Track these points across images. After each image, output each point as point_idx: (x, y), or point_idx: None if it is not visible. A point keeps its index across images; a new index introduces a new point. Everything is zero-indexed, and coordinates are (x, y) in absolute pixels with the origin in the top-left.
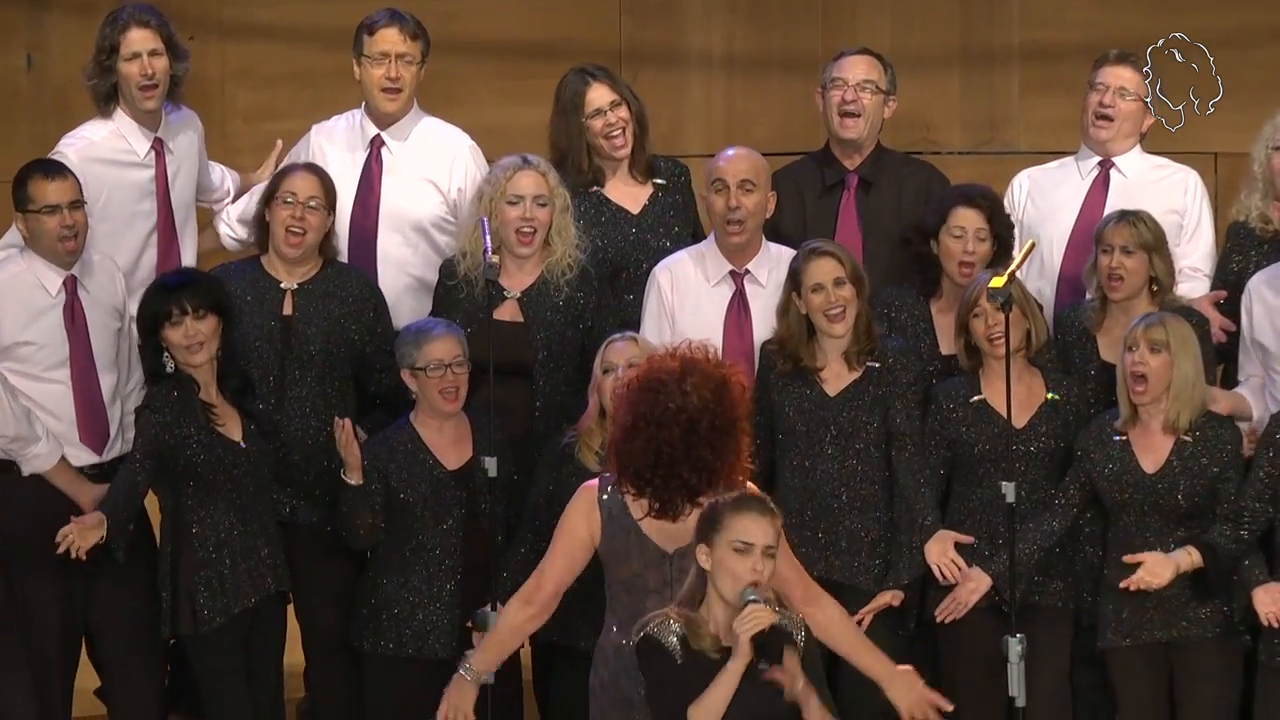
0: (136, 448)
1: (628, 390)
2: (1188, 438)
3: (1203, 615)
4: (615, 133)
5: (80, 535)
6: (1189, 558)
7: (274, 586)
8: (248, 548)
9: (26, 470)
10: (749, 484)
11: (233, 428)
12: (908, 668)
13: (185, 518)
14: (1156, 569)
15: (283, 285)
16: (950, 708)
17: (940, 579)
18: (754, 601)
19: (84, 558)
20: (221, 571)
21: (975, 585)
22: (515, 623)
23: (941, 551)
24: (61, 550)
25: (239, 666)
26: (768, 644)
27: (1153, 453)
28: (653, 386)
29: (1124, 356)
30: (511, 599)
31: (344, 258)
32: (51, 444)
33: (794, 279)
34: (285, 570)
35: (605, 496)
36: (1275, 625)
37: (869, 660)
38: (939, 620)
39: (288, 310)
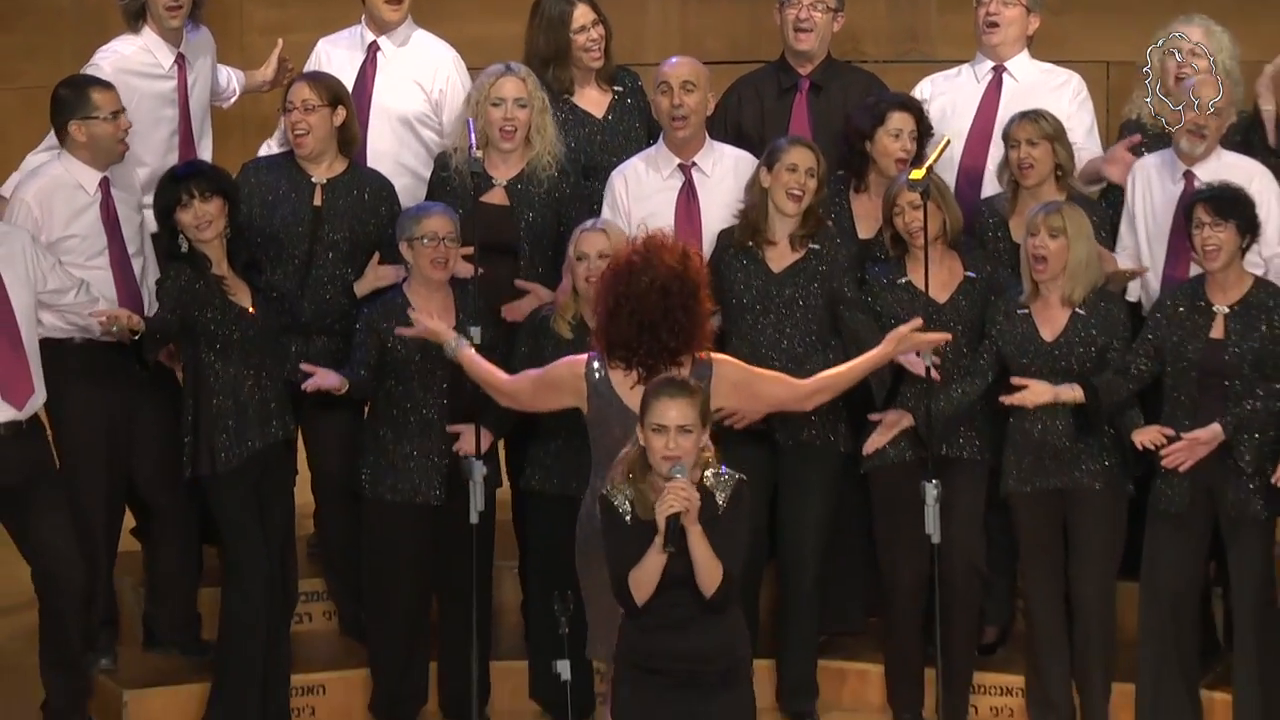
0: (162, 306)
1: (604, 280)
2: (1082, 311)
3: (1094, 467)
4: (593, 47)
5: (129, 319)
6: (1071, 392)
7: (281, 435)
8: (258, 401)
9: (99, 332)
10: (714, 354)
11: (243, 297)
12: (891, 336)
13: (204, 374)
14: (1036, 390)
15: (314, 180)
16: (948, 337)
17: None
18: (678, 478)
19: (126, 340)
20: (235, 421)
21: (897, 419)
22: (488, 377)
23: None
24: (109, 326)
25: (251, 505)
26: (675, 527)
27: (1051, 324)
28: (626, 270)
29: (1026, 240)
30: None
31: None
32: (110, 306)
33: (770, 157)
34: (292, 420)
35: (592, 372)
36: (1151, 448)
37: (863, 365)
38: (866, 453)
39: (317, 201)
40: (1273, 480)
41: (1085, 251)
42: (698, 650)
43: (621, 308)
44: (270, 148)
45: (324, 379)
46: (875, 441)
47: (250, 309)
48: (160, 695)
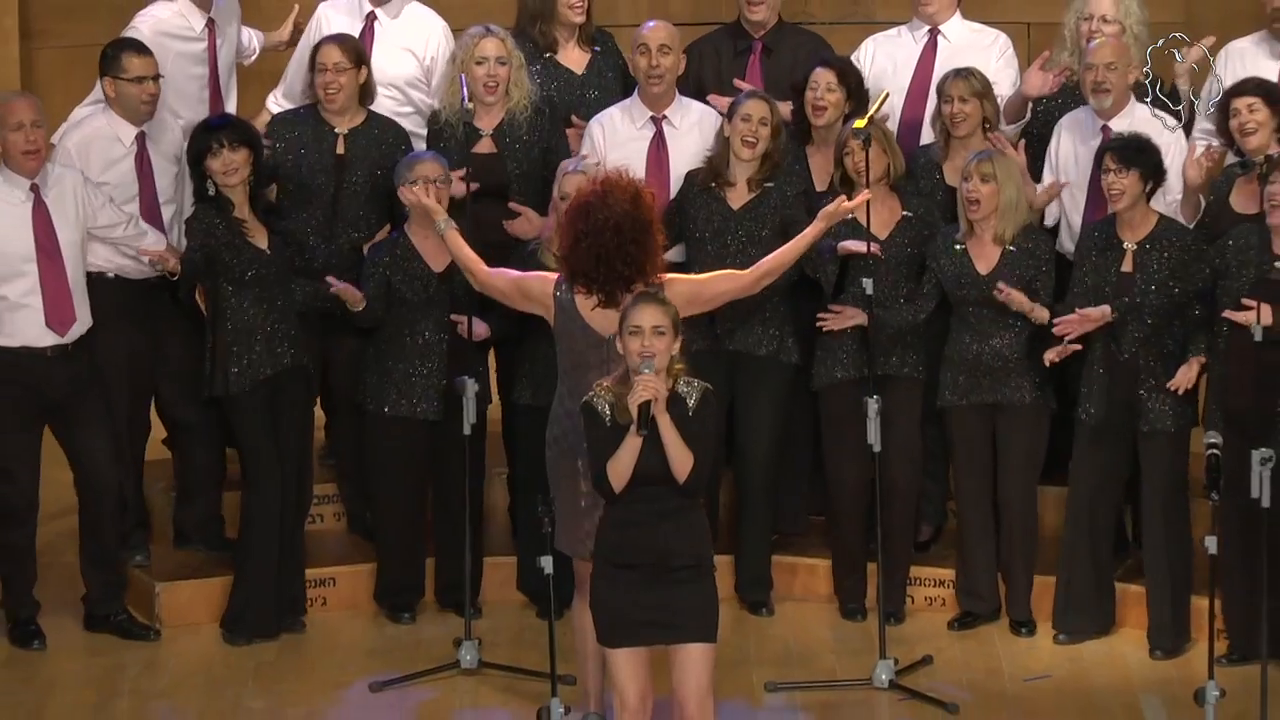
0: (189, 246)
1: (566, 216)
2: (1012, 247)
3: (1022, 384)
4: (578, 5)
5: (172, 253)
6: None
7: (290, 361)
8: (271, 330)
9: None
10: (665, 275)
11: (260, 238)
12: (821, 214)
13: (222, 306)
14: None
15: (336, 130)
16: (867, 195)
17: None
18: (646, 373)
19: (170, 273)
20: (247, 348)
21: (854, 313)
22: (469, 261)
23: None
24: (152, 261)
25: (264, 420)
26: (646, 414)
27: (985, 259)
28: (585, 209)
29: (962, 184)
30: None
31: None
32: (156, 236)
33: (731, 109)
34: (302, 348)
35: (559, 292)
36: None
37: (800, 243)
38: (821, 329)
39: (340, 150)
40: (1170, 386)
41: (1013, 194)
42: (667, 547)
43: (581, 242)
44: (276, 100)
45: (349, 291)
46: (832, 324)
47: (266, 249)
48: (188, 587)
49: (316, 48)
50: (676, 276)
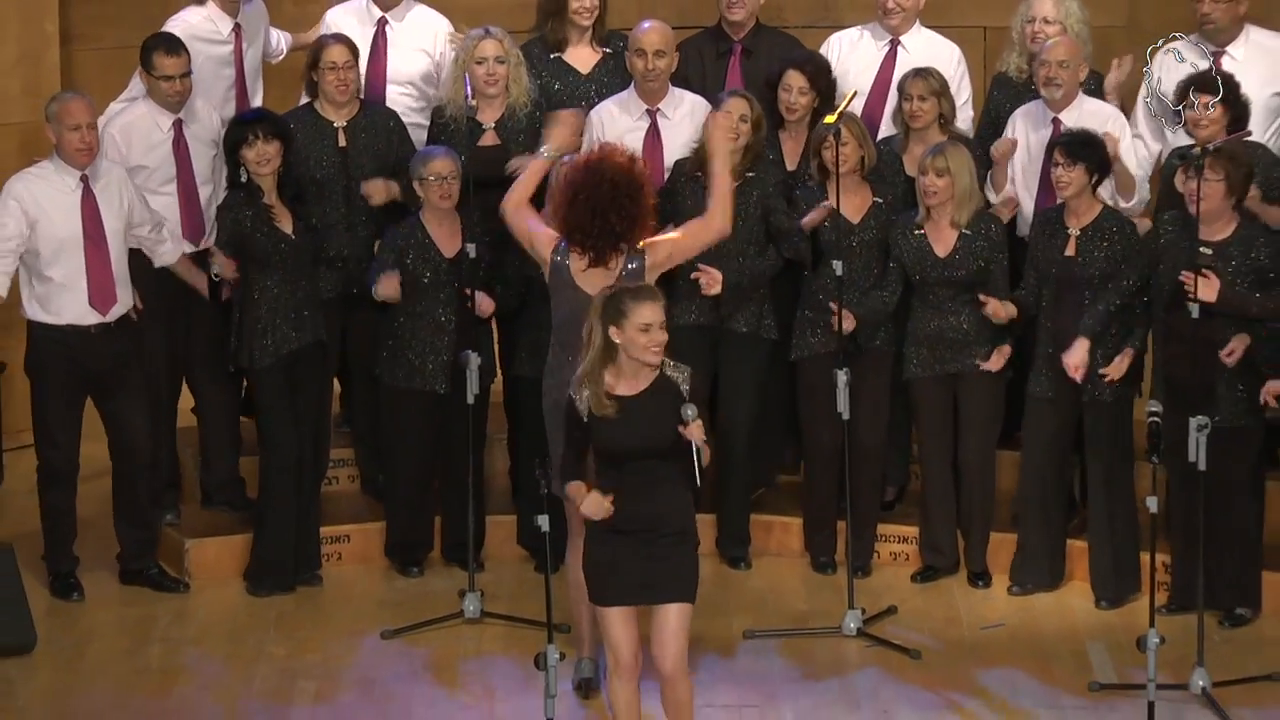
0: (219, 238)
1: (565, 175)
2: (968, 231)
3: (980, 356)
4: (585, 12)
5: (227, 267)
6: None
7: (310, 338)
8: (292, 309)
9: (157, 263)
10: (646, 240)
11: (285, 223)
12: None
13: (249, 286)
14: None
15: (335, 125)
16: (828, 209)
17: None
18: (690, 419)
19: (231, 281)
20: (273, 324)
21: (827, 209)
22: (524, 184)
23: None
24: (219, 275)
25: (283, 391)
26: (699, 452)
27: (943, 242)
28: (584, 166)
29: (920, 177)
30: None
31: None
32: (176, 244)
33: (715, 106)
34: (321, 326)
35: (556, 256)
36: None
37: (721, 178)
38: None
39: (342, 143)
40: (1102, 374)
41: (967, 183)
42: (657, 515)
43: (579, 196)
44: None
45: (390, 287)
46: (809, 222)
47: (290, 234)
48: (215, 544)
49: (320, 48)
50: (653, 240)
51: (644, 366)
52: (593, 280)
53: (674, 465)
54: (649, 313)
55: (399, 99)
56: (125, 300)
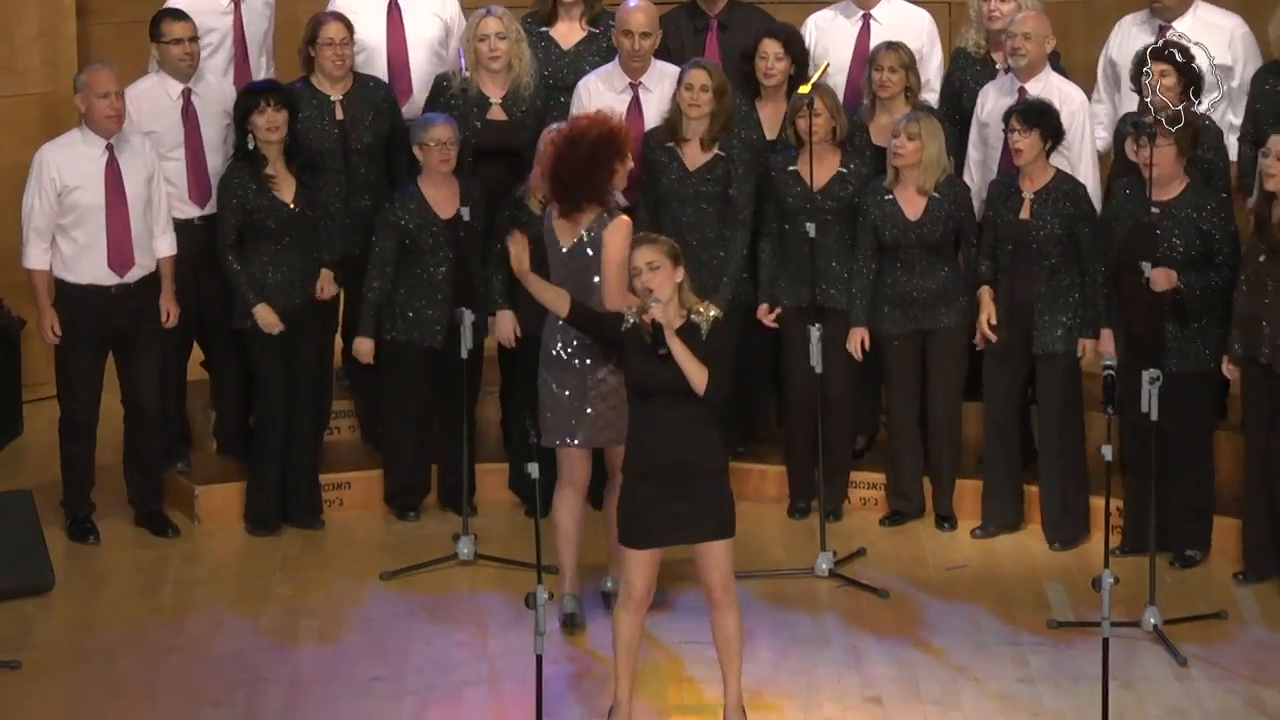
0: (222, 204)
1: (553, 142)
2: (936, 194)
3: (948, 314)
4: None
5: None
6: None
7: (304, 299)
8: (288, 272)
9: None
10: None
11: (286, 192)
12: None
13: (248, 249)
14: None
15: (332, 98)
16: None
17: None
18: (652, 306)
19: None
20: (267, 286)
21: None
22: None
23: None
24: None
25: (276, 349)
26: (659, 335)
27: (912, 205)
28: (574, 125)
29: (891, 141)
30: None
31: (384, 75)
32: (168, 247)
33: (680, 79)
34: (314, 289)
35: (546, 216)
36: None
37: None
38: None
39: (340, 116)
40: (1080, 355)
41: (935, 152)
42: (687, 456)
43: (562, 156)
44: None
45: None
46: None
47: (289, 204)
48: (223, 490)
49: (317, 25)
50: (623, 222)
51: (678, 310)
52: (562, 229)
53: (702, 406)
54: (635, 256)
55: (423, 65)
56: (145, 264)
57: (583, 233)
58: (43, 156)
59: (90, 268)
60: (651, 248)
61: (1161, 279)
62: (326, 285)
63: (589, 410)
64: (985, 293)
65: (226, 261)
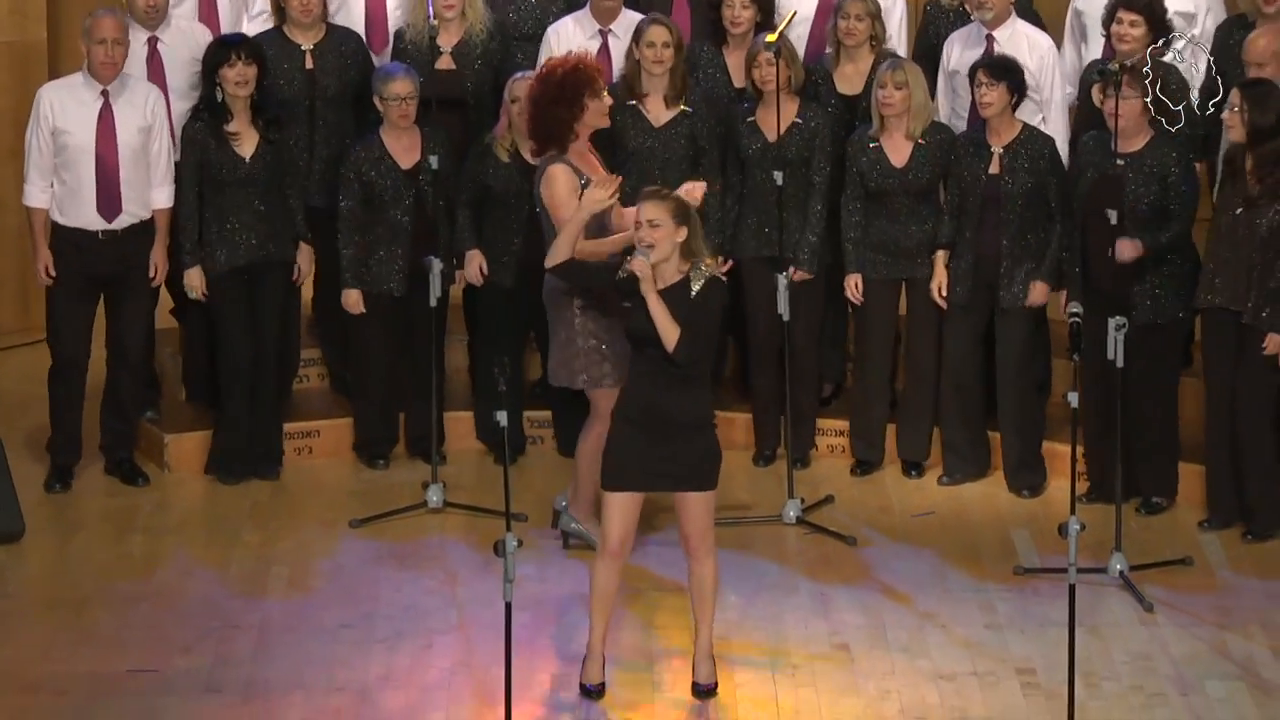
0: (183, 154)
1: (531, 88)
2: (922, 141)
3: (925, 261)
4: None
5: (197, 289)
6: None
7: (272, 252)
8: (248, 225)
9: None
10: (597, 163)
11: (246, 147)
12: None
13: (208, 202)
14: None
15: (303, 47)
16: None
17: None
18: (639, 258)
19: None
20: (228, 239)
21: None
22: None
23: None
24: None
25: (237, 301)
26: (633, 287)
27: (898, 152)
28: (541, 72)
29: (876, 91)
30: None
31: (361, 27)
32: (164, 200)
33: (637, 35)
34: (278, 243)
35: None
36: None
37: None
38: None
39: (309, 65)
40: (1028, 305)
41: (921, 97)
42: (667, 408)
43: (538, 100)
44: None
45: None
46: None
47: (247, 159)
48: (192, 438)
49: None
50: (562, 170)
51: (679, 265)
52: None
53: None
54: (640, 212)
55: (400, 17)
56: (135, 213)
57: (539, 170)
58: (41, 94)
59: (78, 211)
60: (655, 204)
61: (1127, 249)
62: (305, 264)
63: (604, 348)
64: (940, 258)
65: (180, 213)
